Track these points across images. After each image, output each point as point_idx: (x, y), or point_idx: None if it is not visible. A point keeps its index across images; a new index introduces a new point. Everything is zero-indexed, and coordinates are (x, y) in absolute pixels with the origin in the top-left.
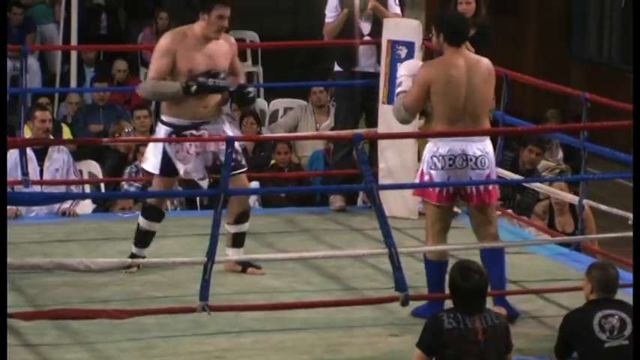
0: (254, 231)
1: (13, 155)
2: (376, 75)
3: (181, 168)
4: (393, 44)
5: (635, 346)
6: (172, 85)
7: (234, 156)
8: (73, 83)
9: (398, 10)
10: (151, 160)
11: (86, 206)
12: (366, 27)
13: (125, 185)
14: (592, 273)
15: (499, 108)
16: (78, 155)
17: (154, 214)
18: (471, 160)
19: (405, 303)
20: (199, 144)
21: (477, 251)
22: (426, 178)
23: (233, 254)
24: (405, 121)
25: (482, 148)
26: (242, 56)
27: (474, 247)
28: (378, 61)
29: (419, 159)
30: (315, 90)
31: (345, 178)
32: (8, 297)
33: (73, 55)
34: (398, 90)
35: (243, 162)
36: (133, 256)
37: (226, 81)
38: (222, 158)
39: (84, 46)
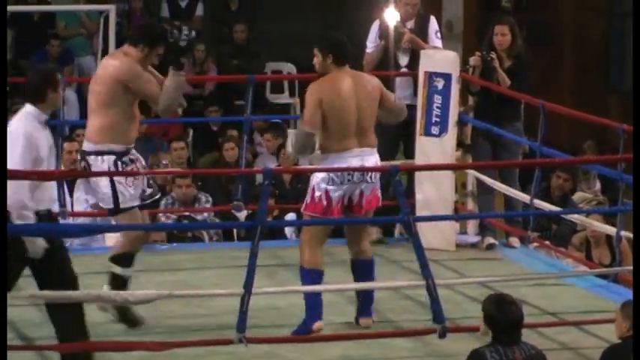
0: (291, 262)
1: None
2: (412, 107)
3: (129, 195)
4: (430, 76)
5: (635, 346)
6: (174, 82)
7: (155, 185)
8: None
9: (439, 43)
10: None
11: None
12: (403, 59)
13: (162, 217)
14: (628, 311)
15: (536, 139)
16: None
17: (129, 260)
18: (367, 173)
19: (442, 335)
20: (143, 171)
21: (515, 282)
22: (318, 194)
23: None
24: (307, 139)
25: (375, 162)
26: (279, 88)
27: (513, 279)
28: (415, 93)
29: (456, 191)
30: None
31: (382, 209)
32: (46, 329)
33: None
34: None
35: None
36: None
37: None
38: (146, 187)
39: None
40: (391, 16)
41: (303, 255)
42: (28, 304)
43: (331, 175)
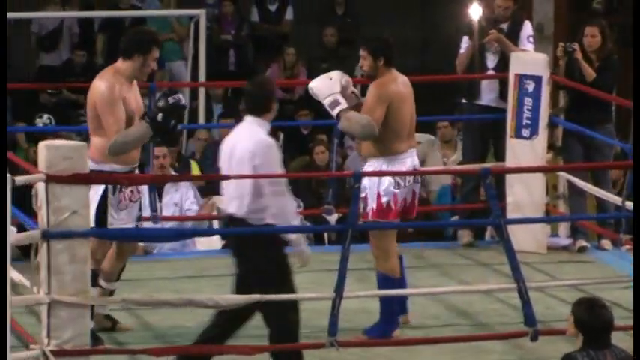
0: None
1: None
2: (498, 109)
3: (117, 218)
4: (521, 78)
5: (635, 346)
6: (138, 132)
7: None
8: (201, 120)
9: (529, 46)
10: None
11: (215, 242)
12: (491, 60)
13: None
14: None
15: (627, 141)
16: (206, 191)
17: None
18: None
19: (534, 338)
20: (138, 192)
21: (607, 285)
22: (386, 199)
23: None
24: (371, 137)
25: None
26: None
27: (605, 281)
28: (500, 96)
29: (547, 193)
30: (440, 125)
31: (473, 212)
32: (138, 333)
33: (201, 91)
34: (339, 108)
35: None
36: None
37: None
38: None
39: (212, 83)
40: (475, 11)
41: (383, 263)
42: (120, 309)
43: (396, 178)
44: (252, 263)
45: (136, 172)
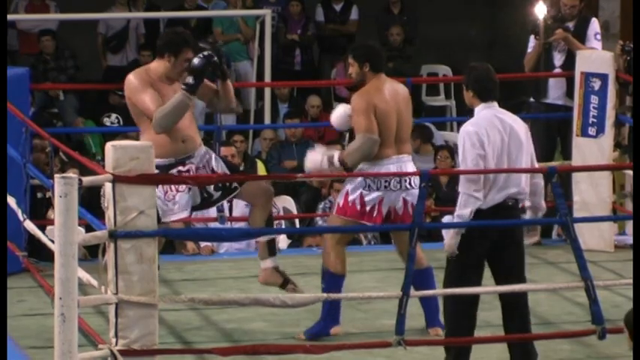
0: None
1: None
2: (564, 107)
3: (167, 209)
4: (587, 76)
5: (634, 345)
6: (174, 99)
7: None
8: (267, 119)
9: (596, 44)
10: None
11: (281, 242)
12: (558, 58)
13: (319, 221)
14: None
15: None
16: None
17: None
18: (405, 180)
19: (602, 336)
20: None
21: None
22: (352, 197)
23: (270, 263)
24: (374, 146)
25: (412, 168)
26: (435, 90)
27: None
28: (567, 94)
29: (614, 191)
30: None
31: None
32: (205, 332)
33: (267, 91)
34: (335, 158)
35: (233, 186)
36: None
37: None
38: (211, 191)
39: (277, 83)
40: (540, 10)
41: (328, 259)
42: (186, 309)
43: (368, 181)
44: (521, 250)
45: (190, 162)
